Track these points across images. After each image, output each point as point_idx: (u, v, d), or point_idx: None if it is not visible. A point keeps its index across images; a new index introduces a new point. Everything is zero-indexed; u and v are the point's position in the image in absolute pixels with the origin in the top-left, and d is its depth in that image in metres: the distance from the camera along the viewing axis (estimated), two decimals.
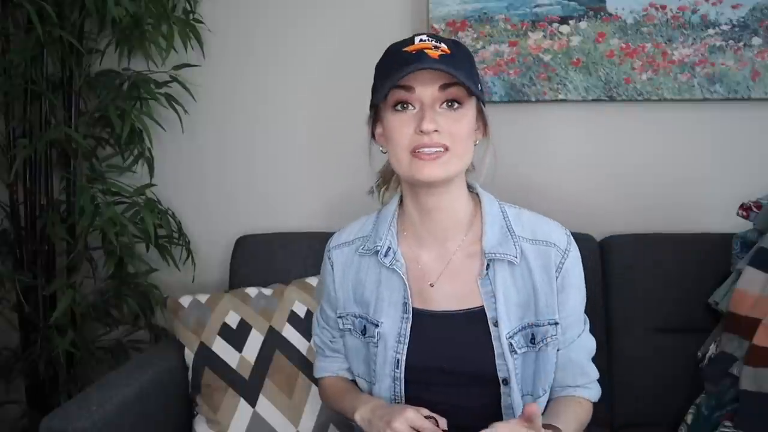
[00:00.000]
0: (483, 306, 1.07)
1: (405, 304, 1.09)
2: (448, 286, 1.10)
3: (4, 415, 1.87)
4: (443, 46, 1.02)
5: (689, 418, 1.46)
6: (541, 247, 1.09)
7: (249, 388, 1.45)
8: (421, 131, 1.00)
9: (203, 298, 1.55)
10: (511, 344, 1.06)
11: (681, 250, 1.63)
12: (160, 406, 1.43)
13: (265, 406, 1.45)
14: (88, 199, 1.64)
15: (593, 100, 1.77)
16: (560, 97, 1.78)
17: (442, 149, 1.01)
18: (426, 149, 1.00)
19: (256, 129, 1.90)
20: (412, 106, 1.03)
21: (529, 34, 1.77)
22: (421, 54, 1.00)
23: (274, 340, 1.50)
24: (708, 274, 1.56)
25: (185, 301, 1.53)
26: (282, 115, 1.89)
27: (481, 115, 1.08)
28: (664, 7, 1.74)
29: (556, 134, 1.83)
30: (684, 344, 1.56)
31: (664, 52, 1.74)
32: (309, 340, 1.52)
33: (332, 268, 1.17)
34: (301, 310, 1.54)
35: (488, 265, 1.08)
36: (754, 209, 1.53)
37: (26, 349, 1.75)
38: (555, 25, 1.76)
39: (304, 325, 1.52)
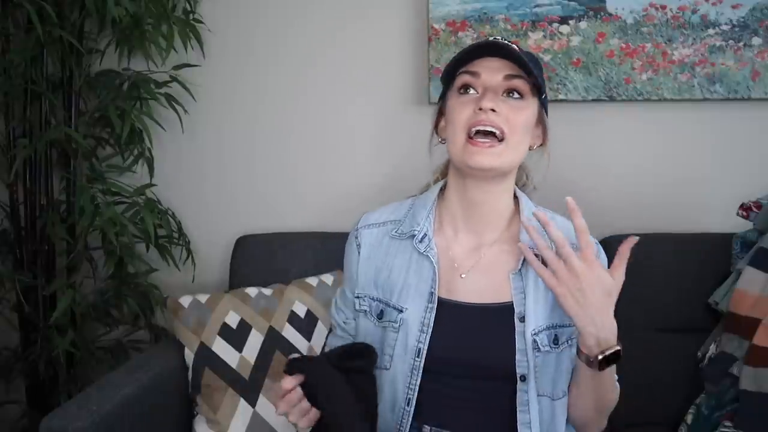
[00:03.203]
0: (511, 301, 1.07)
1: (431, 293, 1.08)
2: (477, 279, 1.09)
3: (4, 415, 1.87)
4: (515, 47, 1.06)
5: (689, 418, 1.46)
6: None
7: (249, 388, 1.45)
8: (480, 108, 1.02)
9: (203, 298, 1.55)
10: (535, 341, 1.05)
11: (681, 250, 1.63)
12: (160, 406, 1.43)
13: (265, 406, 1.45)
14: (88, 199, 1.64)
15: (593, 100, 1.78)
16: (560, 97, 1.78)
17: (497, 135, 1.03)
18: (481, 135, 1.02)
19: (256, 129, 1.90)
20: (476, 90, 1.06)
21: (529, 34, 1.77)
22: (495, 42, 1.05)
23: (274, 340, 1.50)
24: (708, 274, 1.57)
25: (185, 301, 1.53)
26: (282, 115, 1.89)
27: (541, 123, 1.11)
28: (664, 7, 1.74)
29: (555, 134, 1.81)
30: (684, 344, 1.56)
31: (664, 52, 1.74)
32: (309, 340, 1.52)
33: (358, 247, 1.16)
34: (301, 310, 1.54)
35: (523, 261, 1.08)
36: (754, 209, 1.54)
37: (26, 349, 1.75)
38: (555, 25, 1.76)
39: (304, 325, 1.53)
